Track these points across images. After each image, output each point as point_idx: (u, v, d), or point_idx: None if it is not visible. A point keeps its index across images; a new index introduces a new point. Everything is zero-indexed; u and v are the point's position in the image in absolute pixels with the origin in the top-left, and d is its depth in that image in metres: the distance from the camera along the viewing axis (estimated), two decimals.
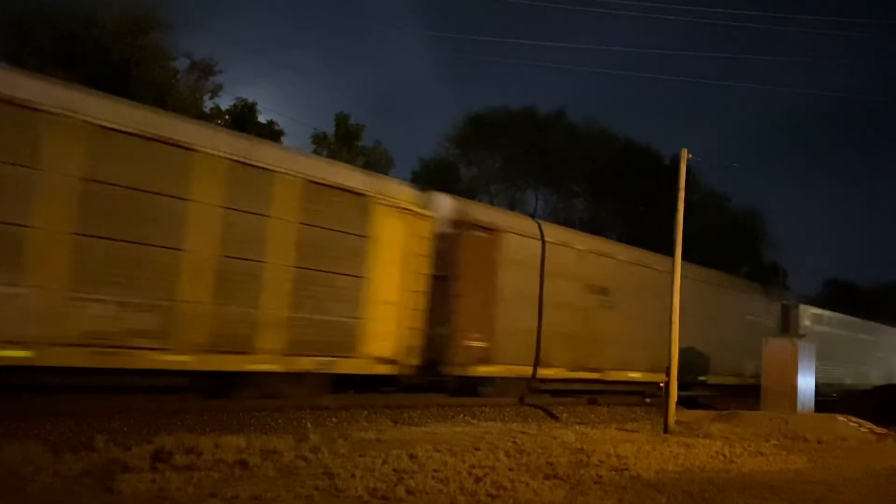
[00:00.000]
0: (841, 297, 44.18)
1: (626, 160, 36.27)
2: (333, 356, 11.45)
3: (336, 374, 11.67)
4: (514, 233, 15.13)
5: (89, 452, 6.89)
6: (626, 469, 8.22)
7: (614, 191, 36.04)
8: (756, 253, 42.12)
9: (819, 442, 12.44)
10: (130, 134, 9.24)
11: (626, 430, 12.65)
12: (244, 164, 10.45)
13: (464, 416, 12.65)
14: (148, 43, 22.95)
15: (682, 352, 13.88)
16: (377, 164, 28.92)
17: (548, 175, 36.75)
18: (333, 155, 27.55)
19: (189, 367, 9.83)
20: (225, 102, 26.28)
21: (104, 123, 9.02)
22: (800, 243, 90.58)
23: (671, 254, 13.86)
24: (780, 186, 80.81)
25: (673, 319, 13.42)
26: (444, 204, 13.82)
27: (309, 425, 9.85)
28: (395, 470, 7.15)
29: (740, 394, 20.38)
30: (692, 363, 18.52)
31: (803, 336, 21.31)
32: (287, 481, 6.39)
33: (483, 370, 14.15)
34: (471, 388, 14.40)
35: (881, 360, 33.64)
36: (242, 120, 25.32)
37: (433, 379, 13.50)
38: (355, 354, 11.78)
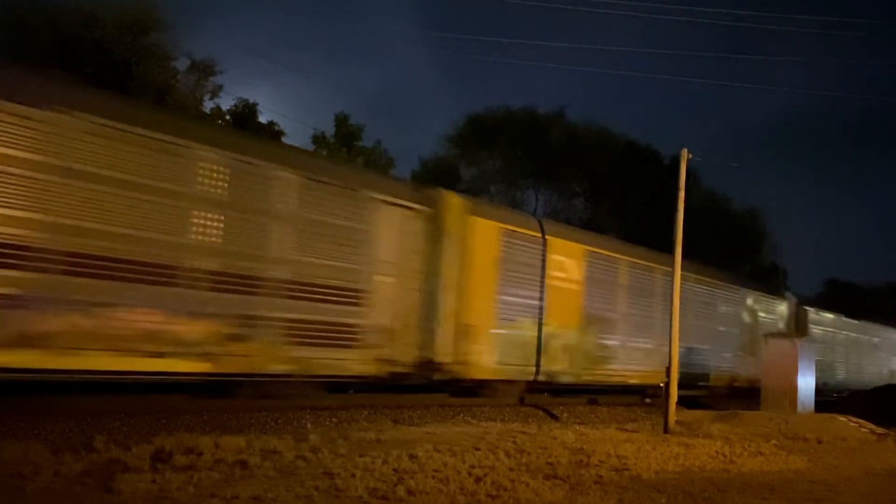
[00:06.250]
0: (841, 297, 44.16)
1: (626, 160, 36.26)
2: None
3: None
4: None
5: (89, 452, 6.88)
6: (626, 469, 8.22)
7: (614, 191, 36.02)
8: (756, 253, 42.08)
9: (819, 442, 12.43)
10: None
11: (627, 430, 12.65)
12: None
13: (464, 416, 12.65)
14: (148, 43, 22.95)
15: None
16: (377, 164, 28.91)
17: (548, 175, 36.73)
18: (333, 155, 27.50)
19: None
20: (225, 103, 26.32)
21: None
22: (800, 243, 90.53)
23: (671, 254, 13.84)
24: (781, 186, 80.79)
25: (673, 319, 13.44)
26: None
27: (309, 425, 9.85)
28: (395, 470, 7.14)
29: None
30: None
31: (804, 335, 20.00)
32: (287, 481, 6.39)
33: None
34: None
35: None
36: (243, 120, 25.32)
37: None
38: None
